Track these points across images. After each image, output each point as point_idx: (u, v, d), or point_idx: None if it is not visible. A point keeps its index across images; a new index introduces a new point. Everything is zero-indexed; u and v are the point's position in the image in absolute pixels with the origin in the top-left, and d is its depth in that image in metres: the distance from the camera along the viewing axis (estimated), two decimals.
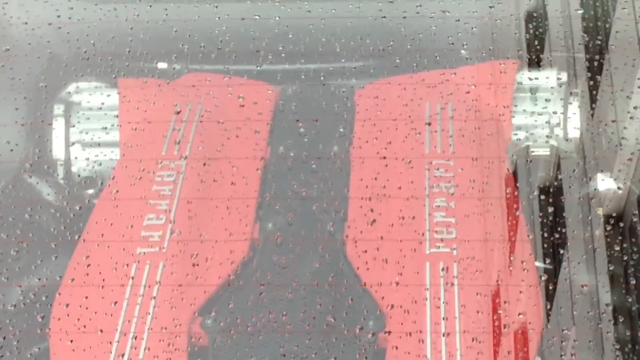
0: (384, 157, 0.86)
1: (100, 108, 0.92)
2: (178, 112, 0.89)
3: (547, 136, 0.88)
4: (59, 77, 0.96)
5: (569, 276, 0.78)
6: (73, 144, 0.92)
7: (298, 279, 0.78)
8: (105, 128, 0.91)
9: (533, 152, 0.88)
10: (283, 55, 0.97)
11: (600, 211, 0.83)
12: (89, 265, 0.80)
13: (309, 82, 0.96)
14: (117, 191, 0.86)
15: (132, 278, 0.77)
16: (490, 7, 0.97)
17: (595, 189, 0.83)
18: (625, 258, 0.78)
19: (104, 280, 0.77)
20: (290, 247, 0.81)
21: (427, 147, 0.86)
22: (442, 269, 0.77)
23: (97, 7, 1.00)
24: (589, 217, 0.82)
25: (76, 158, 0.91)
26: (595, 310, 0.74)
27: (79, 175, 0.90)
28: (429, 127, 0.88)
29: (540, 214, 0.82)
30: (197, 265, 0.79)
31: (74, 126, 0.92)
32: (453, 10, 0.99)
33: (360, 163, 0.88)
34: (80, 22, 0.98)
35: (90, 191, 0.89)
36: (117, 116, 0.91)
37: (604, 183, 0.83)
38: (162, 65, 0.97)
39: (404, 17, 0.99)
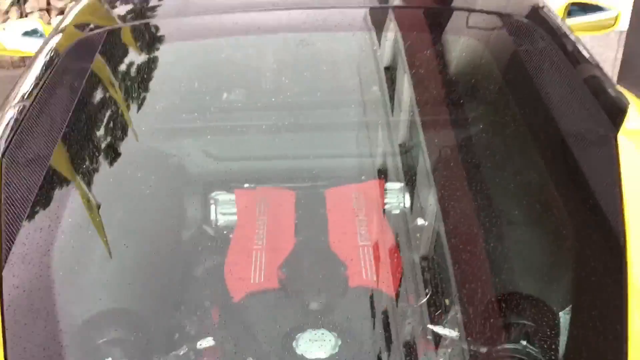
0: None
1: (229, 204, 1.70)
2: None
3: None
4: (207, 189, 1.73)
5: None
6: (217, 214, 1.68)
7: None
8: (232, 213, 1.68)
9: None
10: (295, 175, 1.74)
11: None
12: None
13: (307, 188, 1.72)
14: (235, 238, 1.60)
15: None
16: None
17: None
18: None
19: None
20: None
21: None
22: None
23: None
24: None
25: (219, 220, 1.69)
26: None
27: (221, 227, 1.69)
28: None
29: None
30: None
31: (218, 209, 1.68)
32: None
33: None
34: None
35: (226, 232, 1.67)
36: (235, 208, 1.68)
37: None
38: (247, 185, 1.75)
39: None
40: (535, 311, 1.26)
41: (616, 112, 1.49)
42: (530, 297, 1.31)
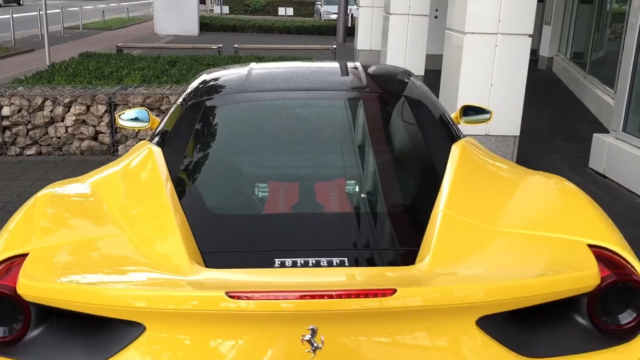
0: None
1: (264, 189, 3.45)
2: None
3: None
4: (253, 180, 3.75)
5: None
6: None
7: None
8: (266, 191, 3.41)
9: None
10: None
11: None
12: None
13: (304, 182, 3.76)
14: None
15: None
16: None
17: None
18: None
19: None
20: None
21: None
22: None
23: None
24: None
25: (259, 194, 3.44)
26: None
27: (260, 198, 3.36)
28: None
29: None
30: None
31: (259, 189, 3.73)
32: None
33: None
34: None
35: (263, 200, 3.65)
36: (267, 189, 3.18)
37: None
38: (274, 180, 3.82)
39: None
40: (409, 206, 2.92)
41: (454, 137, 3.25)
42: (406, 203, 2.97)
